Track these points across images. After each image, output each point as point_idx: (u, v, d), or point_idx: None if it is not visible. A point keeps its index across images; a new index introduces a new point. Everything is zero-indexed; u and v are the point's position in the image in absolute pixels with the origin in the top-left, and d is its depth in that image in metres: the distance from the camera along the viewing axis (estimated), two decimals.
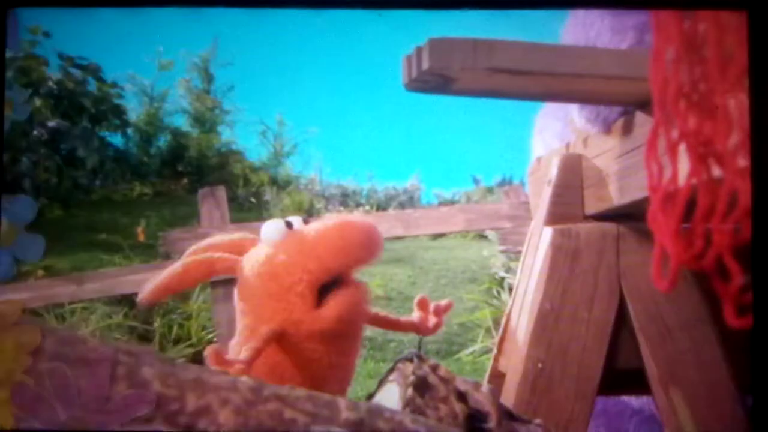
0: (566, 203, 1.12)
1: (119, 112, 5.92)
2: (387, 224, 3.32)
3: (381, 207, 5.95)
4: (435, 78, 0.84)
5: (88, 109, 5.70)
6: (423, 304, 1.26)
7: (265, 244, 1.16)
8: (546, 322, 1.06)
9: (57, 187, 5.42)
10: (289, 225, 1.17)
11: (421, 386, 0.84)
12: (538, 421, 0.89)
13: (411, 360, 0.90)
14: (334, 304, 1.09)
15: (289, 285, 1.10)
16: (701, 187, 0.63)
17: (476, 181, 6.25)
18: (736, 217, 0.60)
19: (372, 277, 4.00)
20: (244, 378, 0.76)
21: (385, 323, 1.26)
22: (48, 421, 0.68)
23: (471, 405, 0.84)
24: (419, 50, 0.85)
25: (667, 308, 1.06)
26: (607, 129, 1.04)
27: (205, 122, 6.39)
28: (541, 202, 1.17)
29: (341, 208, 5.95)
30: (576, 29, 1.06)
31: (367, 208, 5.86)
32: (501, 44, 0.86)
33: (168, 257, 3.49)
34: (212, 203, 3.42)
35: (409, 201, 6.17)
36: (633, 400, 1.27)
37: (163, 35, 5.88)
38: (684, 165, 0.66)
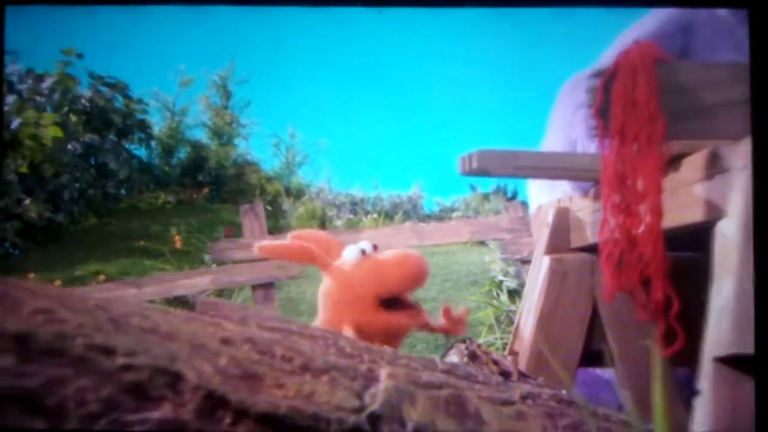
0: (558, 240, 1.71)
1: (144, 126, 6.39)
2: (404, 236, 3.91)
3: (387, 214, 6.44)
4: (480, 172, 1.42)
5: (116, 124, 6.17)
6: (446, 314, 1.72)
7: (346, 263, 1.71)
8: (545, 319, 1.66)
9: (92, 197, 5.91)
10: (363, 252, 1.72)
11: (472, 357, 1.43)
12: (540, 380, 1.47)
13: (463, 342, 1.49)
14: (398, 315, 1.64)
15: (362, 296, 1.64)
16: (622, 239, 1.20)
17: (473, 188, 6.73)
18: (646, 260, 1.16)
19: None
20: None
21: (431, 329, 1.79)
22: None
23: (501, 368, 1.43)
24: (471, 156, 1.44)
25: (624, 309, 1.64)
26: (584, 194, 1.62)
27: (223, 135, 6.87)
28: (541, 237, 1.77)
29: (351, 216, 6.47)
30: (560, 132, 1.65)
31: (375, 215, 6.36)
32: (520, 154, 1.45)
33: (218, 263, 4.07)
34: (253, 217, 3.99)
35: (413, 209, 6.67)
36: (605, 372, 1.85)
37: (185, 55, 6.36)
38: (612, 224, 1.22)
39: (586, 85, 1.17)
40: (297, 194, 6.73)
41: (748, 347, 1.05)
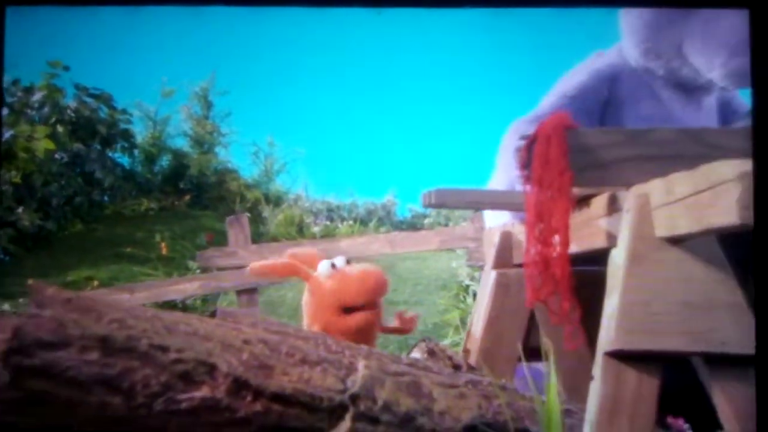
0: (503, 257, 2.10)
1: (128, 135, 6.64)
2: (378, 245, 4.29)
3: (362, 221, 6.75)
4: (439, 205, 1.80)
5: (100, 134, 6.43)
6: (399, 316, 2.20)
7: (320, 275, 2.07)
8: (492, 323, 2.04)
9: (79, 204, 6.17)
10: (333, 266, 2.08)
11: (431, 353, 1.82)
12: (485, 372, 1.86)
13: (425, 341, 1.87)
14: (353, 318, 2.00)
15: (329, 303, 2.02)
16: (540, 262, 1.57)
17: None
18: (557, 278, 1.54)
19: None
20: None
21: (386, 330, 2.18)
22: None
23: (454, 362, 1.81)
24: (430, 193, 1.82)
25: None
26: (522, 222, 2.01)
27: (204, 144, 7.12)
28: (489, 254, 2.15)
29: (328, 222, 6.79)
30: (504, 171, 2.04)
31: (350, 222, 6.69)
32: (469, 192, 1.84)
33: (204, 271, 4.41)
34: (237, 228, 4.34)
35: (386, 215, 7.00)
36: (542, 366, 2.24)
37: (168, 66, 6.61)
38: (532, 251, 1.60)
39: (516, 145, 1.55)
40: (276, 201, 6.98)
41: (631, 345, 1.43)
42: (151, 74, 6.62)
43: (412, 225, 6.68)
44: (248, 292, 4.25)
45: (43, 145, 5.20)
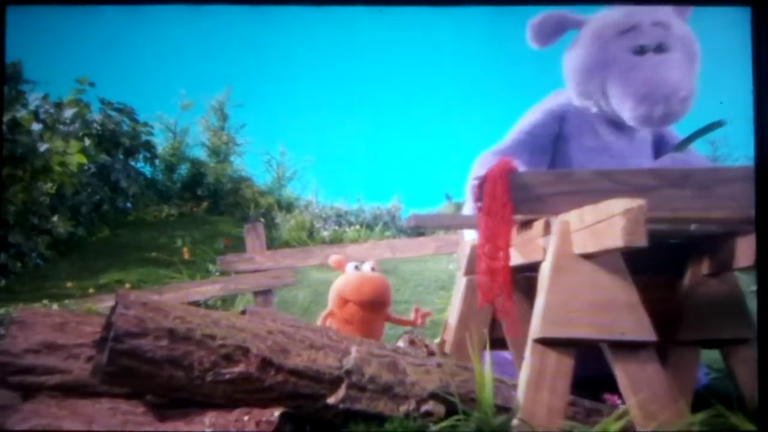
0: (472, 266, 2.63)
1: (149, 146, 7.15)
2: (380, 250, 4.82)
3: (368, 225, 7.23)
4: (418, 227, 2.33)
5: (124, 145, 6.96)
6: (417, 311, 2.77)
7: (347, 272, 2.66)
8: (463, 318, 2.58)
9: (106, 212, 6.71)
10: (357, 268, 2.66)
11: (411, 342, 2.36)
12: (453, 357, 2.39)
13: (407, 333, 2.41)
14: (347, 309, 2.58)
15: (334, 294, 2.61)
16: (489, 273, 2.09)
17: (448, 197, 7.54)
18: (500, 285, 2.05)
19: None
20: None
21: (395, 321, 2.75)
22: None
23: (429, 349, 2.36)
24: (411, 218, 2.36)
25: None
26: None
27: (220, 153, 7.62)
28: (462, 263, 2.69)
29: (336, 227, 7.30)
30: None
31: (357, 227, 7.18)
32: (442, 216, 2.37)
33: (223, 274, 4.96)
34: (254, 235, 4.89)
35: (391, 220, 7.48)
36: (508, 354, 2.77)
37: (186, 80, 7.08)
38: (483, 265, 2.12)
39: (471, 184, 2.10)
40: (288, 207, 7.44)
41: (552, 334, 1.95)
42: (170, 88, 7.07)
43: (416, 229, 7.14)
44: (264, 293, 4.79)
45: (76, 159, 5.76)
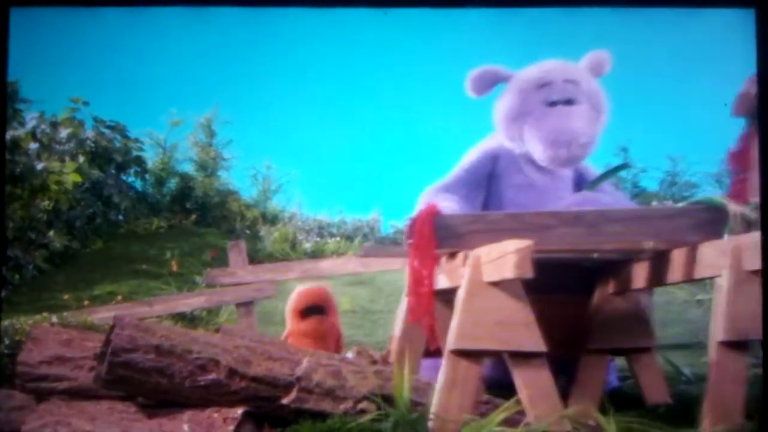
0: None
1: (140, 161, 7.59)
2: (352, 265, 5.32)
3: (349, 237, 7.69)
4: (369, 257, 2.84)
5: (116, 160, 7.40)
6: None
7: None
8: (406, 331, 3.09)
9: (99, 225, 7.15)
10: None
11: (358, 353, 2.88)
12: (393, 365, 2.90)
13: (356, 346, 2.93)
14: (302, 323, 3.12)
15: (288, 315, 3.16)
16: (416, 297, 2.60)
17: None
18: (424, 307, 2.56)
19: (342, 296, 5.70)
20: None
21: None
22: None
23: (373, 358, 2.87)
24: (362, 250, 2.86)
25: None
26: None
27: (208, 168, 8.04)
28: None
29: (318, 239, 7.75)
30: None
31: (338, 239, 7.64)
32: (388, 248, 2.88)
33: (209, 286, 5.46)
34: (237, 251, 5.40)
35: (371, 232, 7.94)
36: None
37: (175, 98, 7.51)
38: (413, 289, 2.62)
39: (407, 223, 2.61)
40: (272, 220, 7.86)
41: (463, 346, 2.46)
42: (161, 106, 7.46)
43: (394, 241, 7.57)
44: (246, 305, 5.30)
45: (71, 178, 6.24)
